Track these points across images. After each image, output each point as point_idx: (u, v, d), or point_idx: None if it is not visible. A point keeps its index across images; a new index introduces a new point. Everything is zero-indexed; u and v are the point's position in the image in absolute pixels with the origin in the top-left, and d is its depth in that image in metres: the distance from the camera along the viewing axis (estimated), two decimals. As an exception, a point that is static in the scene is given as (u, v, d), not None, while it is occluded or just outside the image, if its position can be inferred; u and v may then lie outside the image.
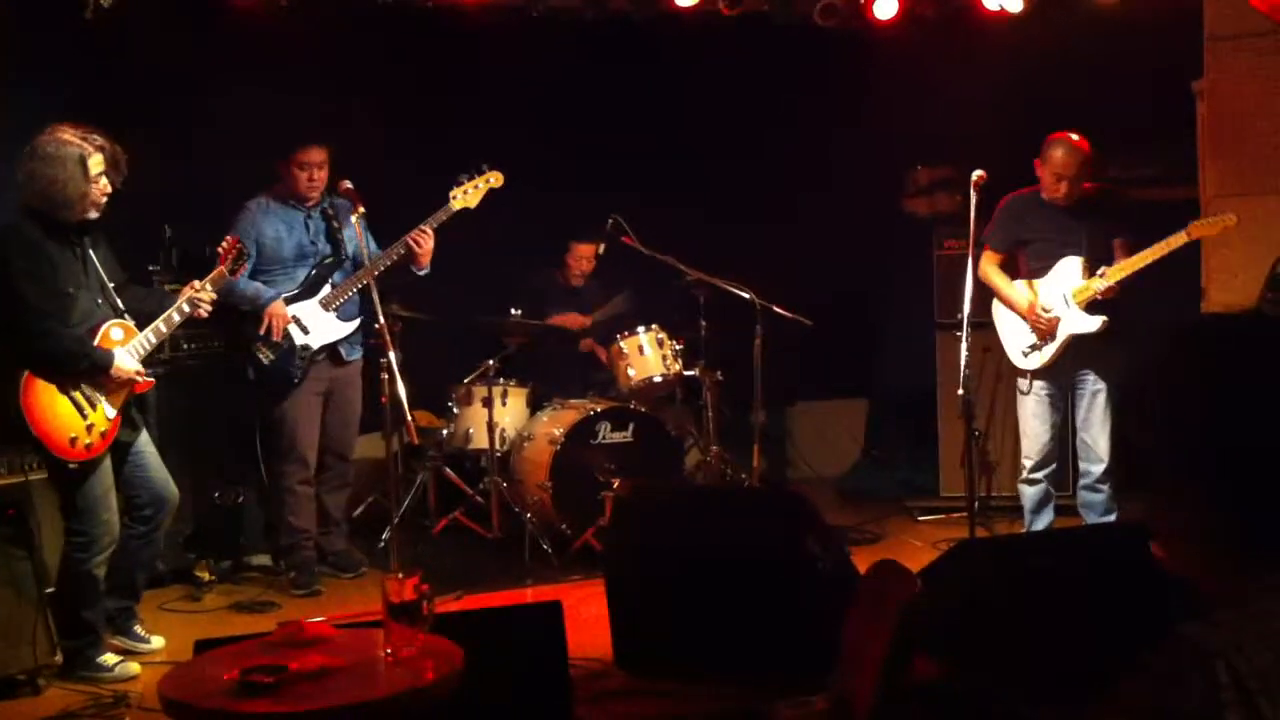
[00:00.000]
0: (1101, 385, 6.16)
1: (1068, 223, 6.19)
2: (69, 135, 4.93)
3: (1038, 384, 6.28)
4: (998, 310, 6.38)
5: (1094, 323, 6.09)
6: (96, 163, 4.95)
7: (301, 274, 6.36)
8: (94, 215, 5.04)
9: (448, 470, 7.30)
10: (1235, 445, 1.55)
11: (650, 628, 4.95)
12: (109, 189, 5.03)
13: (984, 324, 6.46)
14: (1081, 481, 6.29)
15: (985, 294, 6.38)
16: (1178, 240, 5.92)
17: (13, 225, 4.96)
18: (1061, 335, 6.15)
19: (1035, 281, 6.27)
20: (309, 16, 6.78)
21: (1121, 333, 6.09)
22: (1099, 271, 6.06)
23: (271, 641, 3.50)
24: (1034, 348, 6.24)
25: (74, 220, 4.99)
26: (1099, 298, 6.05)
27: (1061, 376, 6.26)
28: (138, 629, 5.42)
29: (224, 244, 5.51)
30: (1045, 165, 6.15)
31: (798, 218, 7.98)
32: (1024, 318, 6.24)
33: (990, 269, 6.33)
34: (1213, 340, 1.65)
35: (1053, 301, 6.17)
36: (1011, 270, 6.36)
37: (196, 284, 5.35)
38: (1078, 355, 6.18)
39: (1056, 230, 6.21)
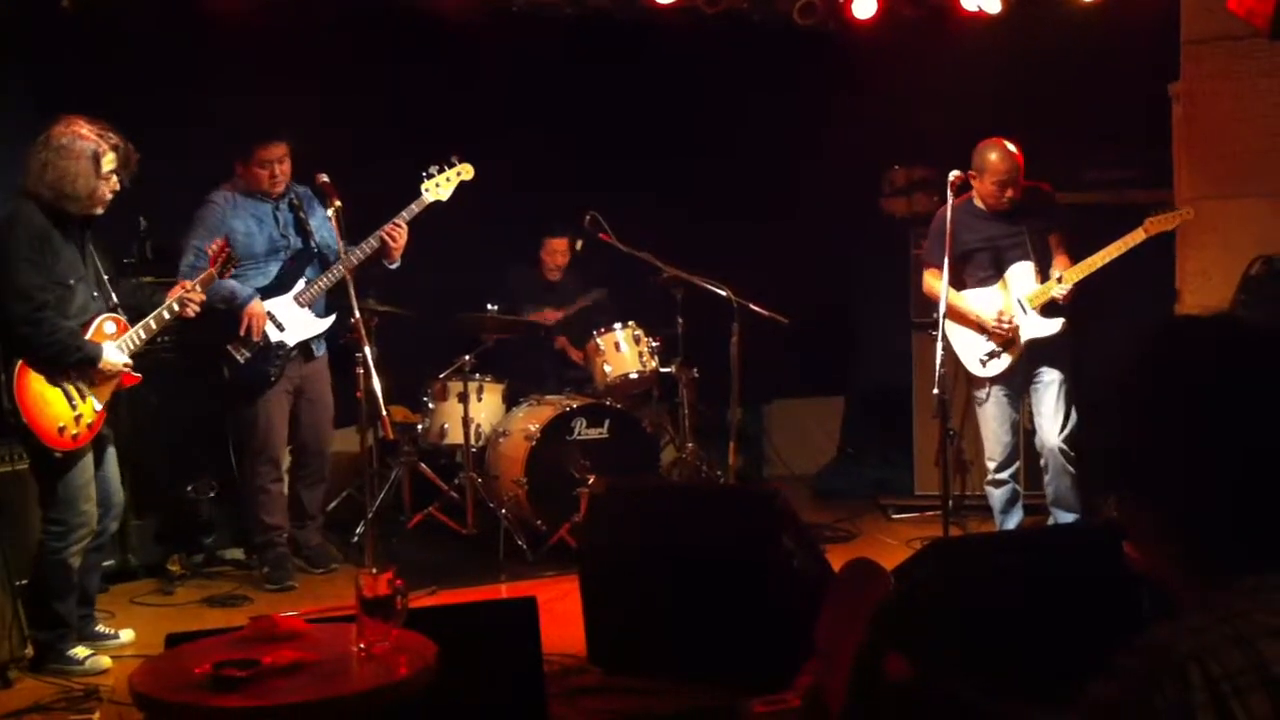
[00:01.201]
0: (1055, 376, 6.17)
1: (1007, 228, 6.20)
2: (85, 130, 4.97)
3: (995, 387, 6.30)
4: (949, 323, 6.19)
5: (1053, 326, 6.12)
6: (109, 160, 5.00)
7: (274, 268, 6.31)
8: (99, 211, 5.09)
9: (423, 465, 7.28)
10: (1210, 445, 1.56)
11: (624, 624, 4.95)
12: (117, 187, 5.08)
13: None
14: (1045, 477, 6.31)
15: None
16: (1135, 238, 5.94)
17: (19, 211, 4.96)
18: (1022, 340, 6.18)
19: (985, 290, 6.27)
20: (287, 10, 6.75)
21: (1073, 328, 6.13)
22: (1055, 275, 6.07)
23: (244, 636, 3.49)
24: (992, 355, 6.24)
25: (79, 214, 5.02)
26: (1058, 301, 6.06)
27: (1016, 377, 6.28)
28: (99, 628, 5.42)
29: (213, 246, 5.59)
30: (985, 175, 6.10)
31: (775, 216, 7.99)
32: (981, 328, 6.23)
33: (936, 284, 6.15)
34: (1187, 341, 1.66)
35: (1011, 309, 6.19)
36: (954, 282, 6.32)
37: (187, 284, 5.39)
38: (1032, 355, 6.21)
39: (997, 238, 6.21)
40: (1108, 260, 5.98)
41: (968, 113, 7.29)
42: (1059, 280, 6.03)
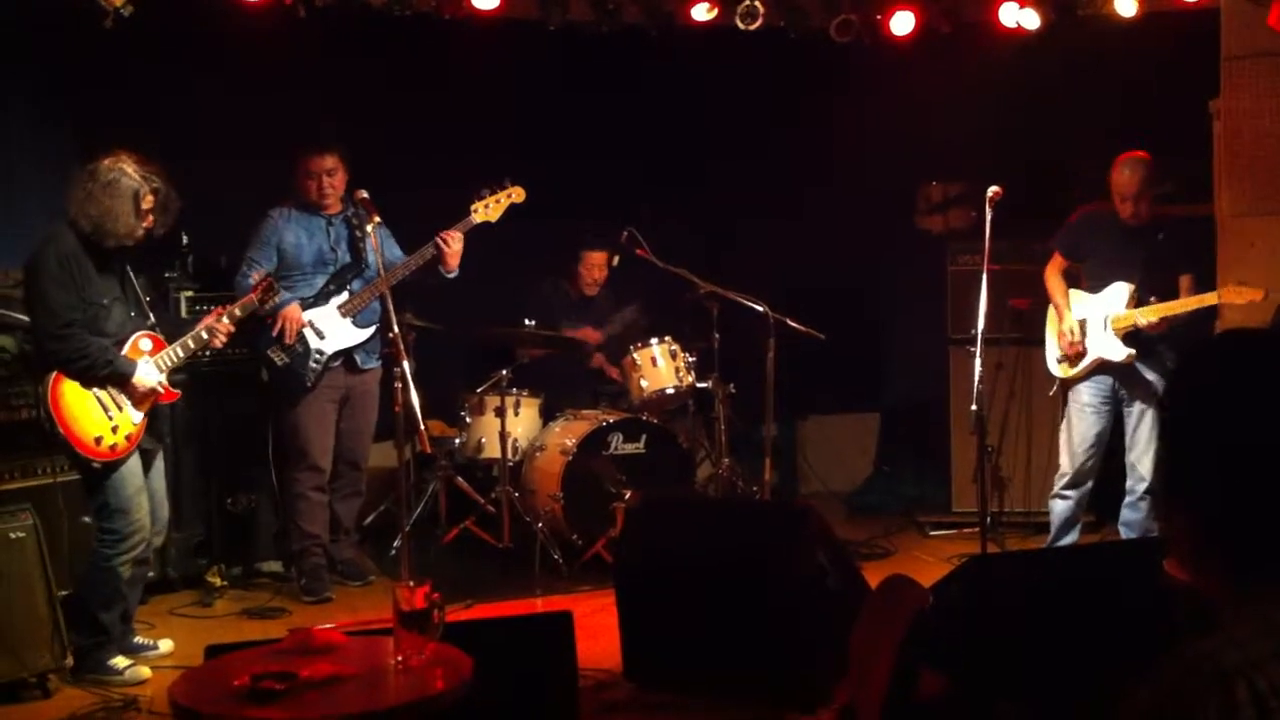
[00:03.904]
0: (1147, 408, 6.15)
1: (1130, 247, 6.15)
2: (131, 168, 5.08)
3: (1079, 400, 6.28)
4: (1050, 313, 6.42)
5: (1122, 353, 6.10)
6: (148, 201, 5.11)
7: (320, 280, 6.39)
8: (131, 244, 5.17)
9: (459, 479, 7.30)
10: (1219, 448, 1.55)
11: (660, 640, 4.95)
12: (152, 227, 5.18)
13: (997, 340, 6.46)
14: (1125, 500, 6.29)
15: (999, 310, 6.40)
16: (1209, 299, 5.93)
17: (55, 233, 5.07)
18: (1090, 357, 6.17)
19: (1083, 295, 6.29)
20: (325, 24, 6.81)
21: (1158, 362, 6.12)
22: (1149, 302, 6.06)
23: (282, 648, 3.52)
24: (1064, 359, 6.28)
25: (114, 248, 5.12)
26: (1143, 331, 6.05)
27: (1109, 391, 6.25)
28: (137, 640, 5.47)
29: (257, 275, 5.82)
30: (1111, 189, 6.15)
31: (810, 231, 7.98)
32: (1059, 328, 6.29)
33: (1051, 273, 6.37)
34: (1202, 350, 1.66)
35: (1092, 322, 6.18)
36: (1072, 279, 6.39)
37: (220, 310, 5.49)
38: (1120, 379, 6.20)
39: (1117, 251, 6.19)
40: (1180, 311, 5.98)
41: (1004, 128, 7.27)
42: (1150, 306, 6.03)
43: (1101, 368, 6.19)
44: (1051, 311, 6.43)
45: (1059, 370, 6.33)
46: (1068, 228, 6.38)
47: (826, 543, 4.90)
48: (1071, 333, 6.19)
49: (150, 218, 5.13)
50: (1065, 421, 6.38)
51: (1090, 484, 6.35)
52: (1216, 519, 1.56)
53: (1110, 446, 6.36)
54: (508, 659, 3.83)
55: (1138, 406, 6.19)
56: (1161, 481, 1.64)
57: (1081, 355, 6.19)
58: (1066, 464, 6.34)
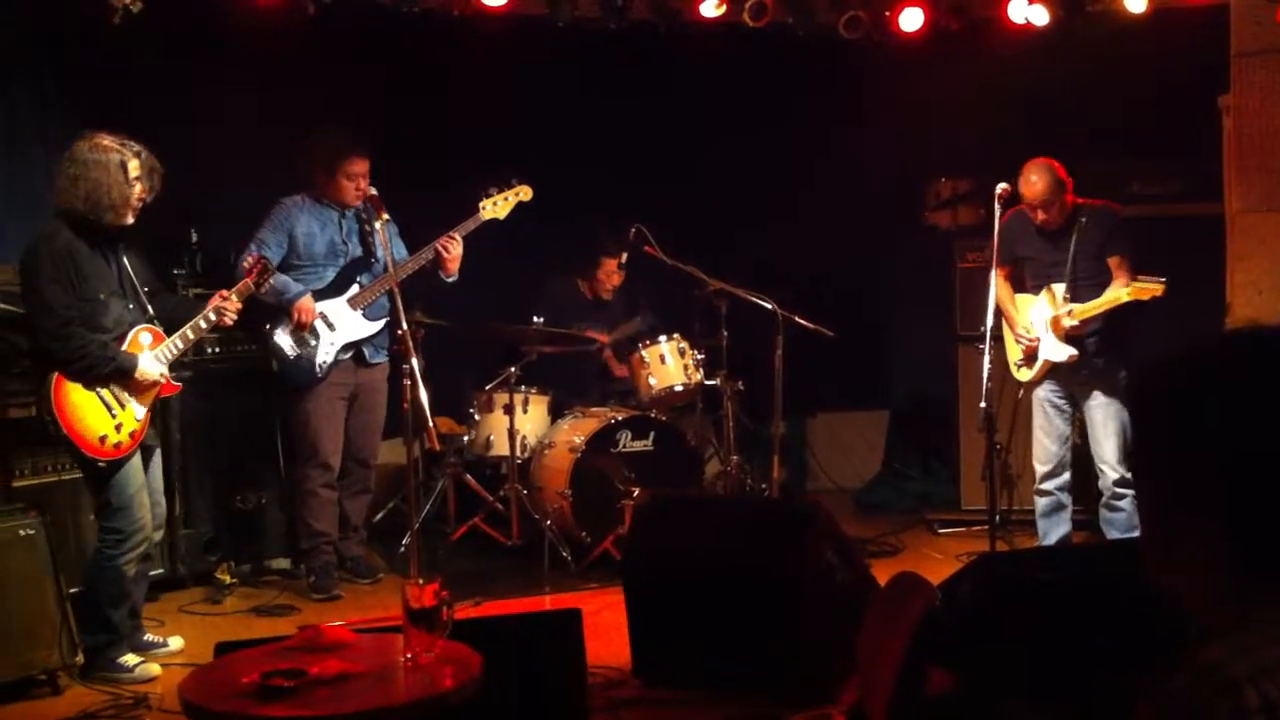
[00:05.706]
0: (1105, 400, 6.15)
1: (1053, 246, 6.19)
2: (108, 142, 5.06)
3: (1039, 396, 6.33)
4: (1004, 320, 6.42)
5: (1063, 353, 6.12)
6: (135, 167, 5.08)
7: (331, 273, 6.42)
8: (130, 220, 5.15)
9: (468, 477, 7.31)
10: (1262, 466, 1.53)
11: (668, 637, 4.95)
12: (145, 195, 5.15)
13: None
14: (1102, 499, 6.28)
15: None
16: (1119, 296, 5.91)
17: (46, 232, 5.06)
18: (1040, 359, 6.21)
19: (1030, 298, 6.32)
20: (330, 25, 6.80)
21: (1111, 357, 6.12)
22: (1066, 309, 6.06)
23: (291, 646, 3.53)
24: (1023, 363, 6.32)
25: (114, 224, 5.09)
26: (1071, 334, 6.07)
27: (1063, 390, 6.30)
28: (147, 638, 5.49)
29: (248, 259, 5.75)
30: (1021, 196, 6.13)
31: (819, 228, 7.97)
32: (1013, 334, 6.32)
33: (998, 282, 6.29)
34: (1233, 360, 1.63)
35: (1036, 326, 6.22)
36: (1016, 283, 6.41)
37: (224, 292, 5.45)
38: (1074, 375, 6.21)
39: (1044, 252, 6.23)
40: (1100, 310, 5.98)
41: (1013, 125, 7.26)
42: (1069, 313, 6.03)
43: (1052, 370, 6.23)
44: (1004, 321, 6.39)
45: (1020, 375, 6.37)
46: (1000, 235, 6.23)
47: (835, 540, 4.89)
48: (1026, 331, 6.22)
49: (140, 184, 5.09)
50: (1033, 421, 6.41)
51: (1068, 474, 6.40)
52: (1224, 526, 1.54)
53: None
54: (516, 656, 3.84)
55: (1095, 400, 6.18)
56: (1154, 487, 1.62)
57: (1036, 355, 6.21)
58: (1037, 460, 6.41)
